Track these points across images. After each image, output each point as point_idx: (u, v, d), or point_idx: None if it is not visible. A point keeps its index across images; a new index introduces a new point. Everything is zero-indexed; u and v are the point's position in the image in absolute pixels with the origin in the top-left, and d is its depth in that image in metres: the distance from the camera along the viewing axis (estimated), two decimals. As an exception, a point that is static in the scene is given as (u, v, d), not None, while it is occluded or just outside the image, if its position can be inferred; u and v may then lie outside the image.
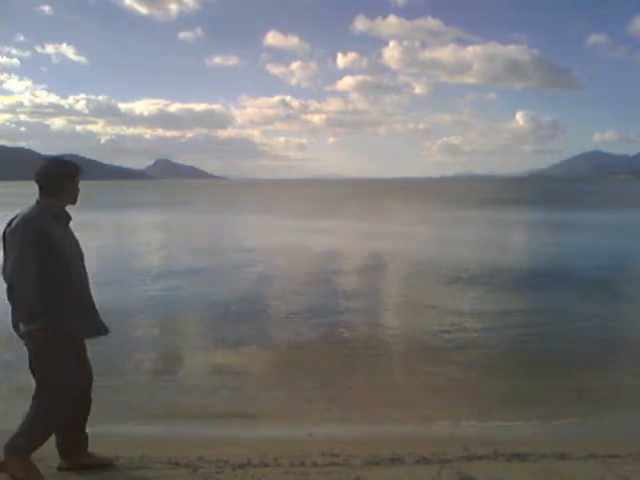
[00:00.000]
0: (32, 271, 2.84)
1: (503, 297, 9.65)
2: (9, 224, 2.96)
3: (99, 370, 5.88)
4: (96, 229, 22.72)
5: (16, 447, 2.96)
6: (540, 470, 3.28)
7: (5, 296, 2.88)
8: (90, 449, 3.29)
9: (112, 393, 5.20)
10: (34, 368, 3.02)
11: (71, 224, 3.18)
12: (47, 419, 3.02)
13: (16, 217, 2.97)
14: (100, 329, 3.18)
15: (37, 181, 3.07)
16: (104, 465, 3.26)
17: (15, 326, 2.97)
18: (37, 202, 3.06)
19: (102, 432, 4.27)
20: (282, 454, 3.36)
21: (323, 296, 9.96)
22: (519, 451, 3.54)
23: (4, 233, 2.96)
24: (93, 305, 3.16)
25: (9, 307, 2.93)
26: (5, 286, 2.84)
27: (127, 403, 4.96)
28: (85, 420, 3.26)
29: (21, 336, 2.97)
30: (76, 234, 3.22)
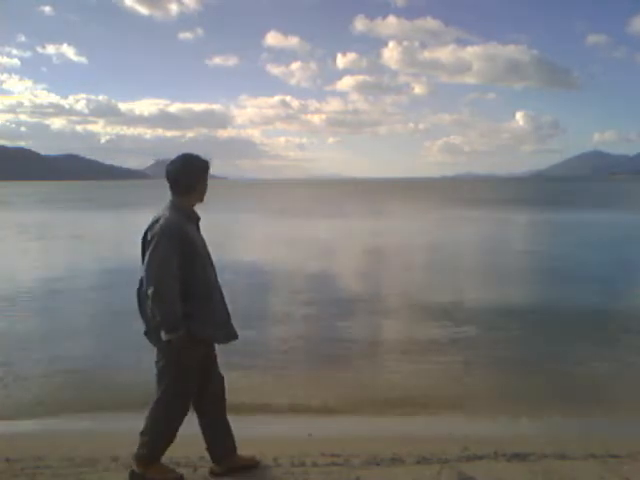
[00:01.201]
0: (176, 277, 2.74)
1: (503, 297, 9.64)
2: (151, 226, 2.83)
3: (100, 369, 5.92)
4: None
5: (143, 456, 2.99)
6: (540, 470, 3.28)
7: (148, 301, 2.76)
8: (91, 448, 3.29)
9: (113, 392, 5.21)
10: (163, 373, 2.95)
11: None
12: (168, 424, 3.00)
13: (158, 219, 2.83)
14: (231, 335, 3.04)
15: (169, 179, 2.92)
16: (254, 466, 3.23)
17: (150, 333, 2.89)
18: (172, 202, 2.92)
19: (102, 432, 4.29)
20: (282, 454, 3.37)
21: (322, 296, 9.95)
22: (519, 451, 3.55)
23: (145, 234, 2.85)
24: (227, 310, 3.05)
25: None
26: (150, 291, 2.71)
27: (127, 403, 4.96)
28: (227, 424, 3.19)
29: (155, 342, 2.89)
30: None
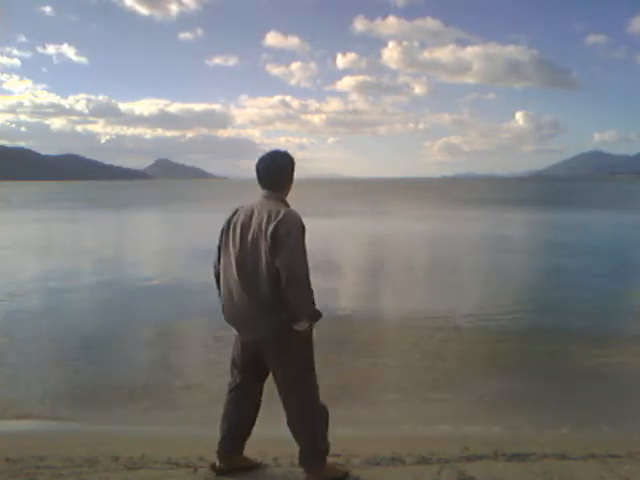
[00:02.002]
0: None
1: (502, 298, 9.65)
2: (275, 219, 2.78)
3: (100, 369, 5.91)
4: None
5: (320, 462, 2.99)
6: (540, 470, 3.28)
7: (290, 290, 2.75)
8: (91, 448, 3.29)
9: (113, 393, 5.22)
10: (291, 369, 2.96)
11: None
12: (323, 418, 3.03)
13: (279, 212, 2.80)
14: None
15: (264, 176, 2.97)
16: (256, 467, 3.23)
17: (271, 325, 2.83)
18: (273, 196, 2.94)
19: (103, 432, 4.29)
20: (282, 454, 3.36)
21: (320, 297, 9.95)
22: (519, 451, 3.54)
23: (274, 230, 2.78)
24: None
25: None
26: (297, 282, 2.74)
27: (128, 403, 4.97)
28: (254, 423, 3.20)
29: (277, 334, 2.84)
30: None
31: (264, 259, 2.80)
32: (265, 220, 2.83)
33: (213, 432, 4.11)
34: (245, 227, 2.90)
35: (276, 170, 3.00)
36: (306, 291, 2.79)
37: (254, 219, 2.88)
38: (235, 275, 2.90)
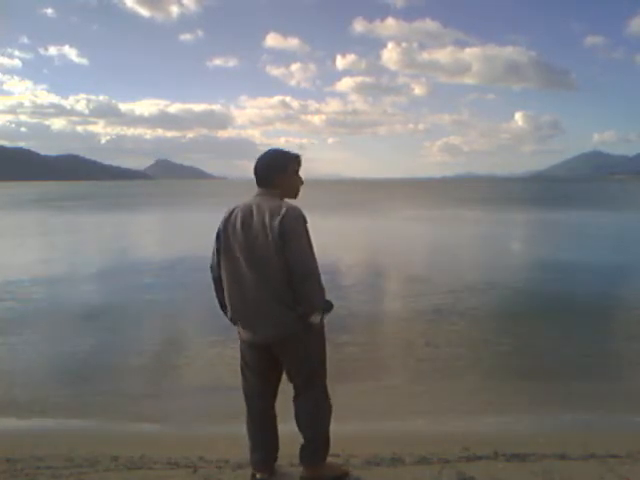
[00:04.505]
0: None
1: (502, 297, 9.64)
2: (279, 214, 2.76)
3: (101, 369, 5.92)
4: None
5: (319, 459, 3.04)
6: (540, 470, 3.28)
7: (305, 285, 2.73)
8: (91, 448, 3.29)
9: (112, 393, 5.22)
10: (306, 364, 2.94)
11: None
12: (329, 416, 3.04)
13: (280, 208, 2.78)
14: None
15: (261, 173, 2.93)
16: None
17: (287, 323, 2.79)
18: (272, 194, 2.90)
19: (102, 432, 4.29)
20: (282, 454, 3.35)
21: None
22: (519, 451, 3.54)
23: (280, 225, 2.74)
24: None
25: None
26: (311, 276, 2.74)
27: (127, 403, 4.97)
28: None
29: (290, 330, 2.81)
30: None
31: (274, 255, 2.73)
32: (268, 216, 2.77)
33: (213, 432, 4.11)
34: (246, 225, 2.83)
35: (268, 168, 2.94)
36: (319, 283, 2.78)
37: (255, 216, 2.81)
38: (247, 274, 2.81)
